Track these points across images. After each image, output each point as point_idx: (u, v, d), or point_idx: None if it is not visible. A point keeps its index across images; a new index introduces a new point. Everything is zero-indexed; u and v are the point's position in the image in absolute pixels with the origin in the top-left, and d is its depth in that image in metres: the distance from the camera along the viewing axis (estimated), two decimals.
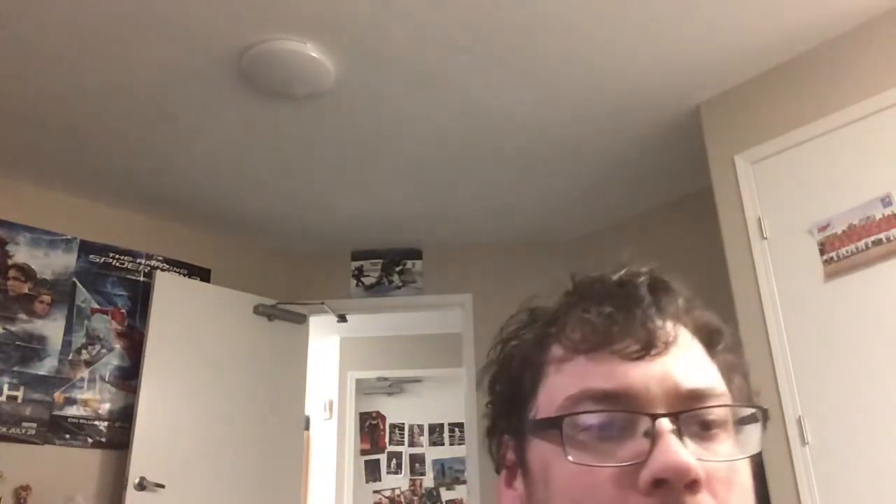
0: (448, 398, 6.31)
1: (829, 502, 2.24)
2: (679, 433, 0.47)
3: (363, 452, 6.65)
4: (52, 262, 3.47)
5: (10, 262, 3.35)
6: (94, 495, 3.34)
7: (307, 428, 5.58)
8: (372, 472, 6.67)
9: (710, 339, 0.56)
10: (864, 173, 2.37)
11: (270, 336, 4.01)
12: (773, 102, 2.68)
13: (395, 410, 6.85)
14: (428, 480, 6.69)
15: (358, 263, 4.33)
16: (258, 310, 3.98)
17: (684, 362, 0.51)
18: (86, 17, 2.39)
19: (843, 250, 2.36)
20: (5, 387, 3.20)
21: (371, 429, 6.78)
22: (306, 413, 4.55)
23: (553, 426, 0.49)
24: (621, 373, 0.50)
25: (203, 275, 3.99)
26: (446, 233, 4.17)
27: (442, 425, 6.79)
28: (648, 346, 0.50)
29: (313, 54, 2.57)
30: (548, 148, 3.27)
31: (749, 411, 0.52)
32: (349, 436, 6.07)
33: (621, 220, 3.98)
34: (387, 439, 6.80)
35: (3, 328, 3.26)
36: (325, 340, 5.86)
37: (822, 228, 2.43)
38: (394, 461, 6.74)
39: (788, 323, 2.45)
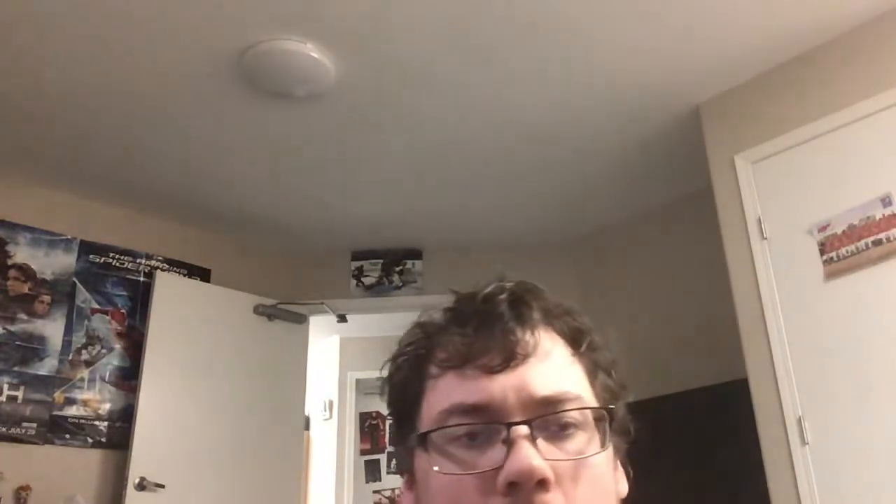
0: None
1: (829, 502, 2.24)
2: (532, 438, 0.52)
3: (363, 452, 6.64)
4: (52, 262, 3.47)
5: (10, 262, 3.34)
6: (94, 495, 3.34)
7: (307, 428, 5.59)
8: (372, 472, 6.66)
9: (574, 341, 0.61)
10: (864, 173, 2.37)
11: (270, 336, 4.01)
12: (773, 102, 2.68)
13: None
14: None
15: (358, 263, 4.33)
16: (258, 310, 3.98)
17: (541, 371, 0.57)
18: (85, 17, 2.39)
19: (843, 250, 2.36)
20: (5, 387, 3.20)
21: (371, 429, 6.77)
22: (306, 413, 4.55)
23: (424, 440, 0.56)
24: (483, 386, 0.55)
25: (203, 275, 3.99)
26: (446, 233, 4.17)
27: None
28: (507, 359, 0.56)
29: (313, 54, 2.57)
30: (548, 148, 3.27)
31: (598, 412, 0.57)
32: (349, 436, 6.06)
33: (621, 220, 3.98)
34: (387, 439, 6.80)
35: (3, 328, 3.26)
36: (325, 340, 5.87)
37: (822, 228, 2.43)
38: (394, 461, 6.74)
39: (788, 323, 2.45)
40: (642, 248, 3.85)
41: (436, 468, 0.54)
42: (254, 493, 3.70)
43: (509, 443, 0.52)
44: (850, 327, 2.31)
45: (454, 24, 2.46)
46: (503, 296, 0.60)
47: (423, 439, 0.56)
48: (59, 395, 3.34)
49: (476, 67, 2.69)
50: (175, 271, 3.88)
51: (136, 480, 3.30)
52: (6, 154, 3.25)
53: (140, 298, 3.70)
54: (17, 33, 2.48)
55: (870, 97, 2.40)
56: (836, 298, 2.35)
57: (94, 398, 3.44)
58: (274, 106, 2.90)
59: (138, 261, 3.77)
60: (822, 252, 2.41)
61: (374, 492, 6.60)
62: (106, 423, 3.45)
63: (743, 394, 2.52)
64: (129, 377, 3.55)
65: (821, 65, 2.57)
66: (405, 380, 0.62)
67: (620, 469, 0.61)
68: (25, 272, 3.38)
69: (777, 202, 2.58)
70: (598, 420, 0.57)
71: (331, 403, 6.07)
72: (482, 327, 0.58)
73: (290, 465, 3.97)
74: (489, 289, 0.61)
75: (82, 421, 3.38)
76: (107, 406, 3.47)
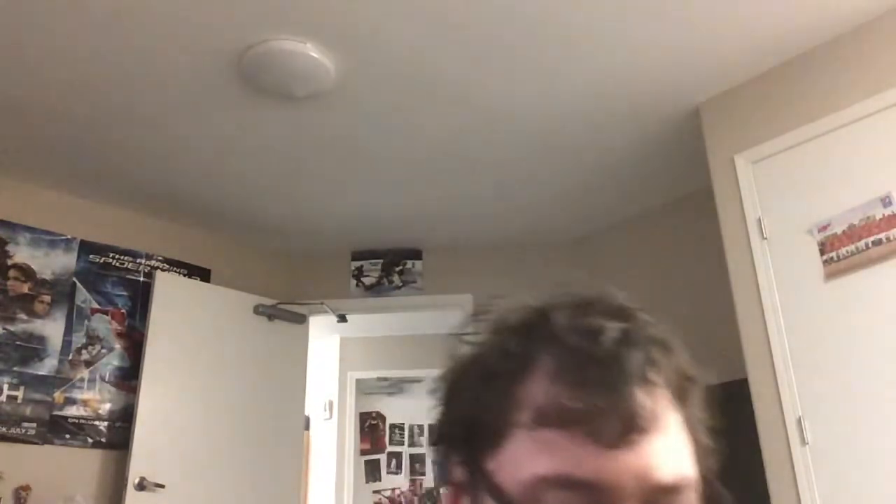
0: None
1: (829, 502, 2.24)
2: None
3: (363, 452, 6.64)
4: (52, 262, 3.47)
5: (10, 262, 3.35)
6: (94, 495, 3.34)
7: (307, 428, 5.59)
8: (372, 472, 6.66)
9: (683, 390, 0.54)
10: (864, 173, 2.37)
11: (270, 336, 4.01)
12: (773, 102, 2.68)
13: (395, 410, 6.85)
14: (428, 480, 6.69)
15: (358, 263, 4.33)
16: (258, 310, 3.98)
17: (662, 449, 0.49)
18: (85, 16, 2.39)
19: (843, 250, 2.36)
20: (5, 387, 3.20)
21: (371, 429, 6.77)
22: (306, 413, 4.55)
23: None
24: (597, 461, 0.47)
25: (203, 275, 3.99)
26: (446, 233, 4.17)
27: None
28: (628, 432, 0.48)
29: (313, 54, 2.57)
30: (548, 147, 3.27)
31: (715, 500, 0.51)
32: (349, 436, 6.06)
33: (621, 220, 3.98)
34: (387, 439, 6.80)
35: (3, 328, 3.26)
36: (325, 340, 5.86)
37: (822, 228, 2.43)
38: (394, 461, 6.74)
39: (788, 323, 2.45)
40: (642, 248, 3.85)
41: None
42: (254, 493, 3.70)
43: None
44: (850, 327, 2.31)
45: (454, 25, 2.46)
46: (632, 352, 0.51)
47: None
48: (59, 395, 3.34)
49: (476, 68, 2.69)
50: (175, 271, 3.88)
51: (136, 480, 3.30)
52: (6, 154, 3.25)
53: (140, 298, 3.70)
54: (17, 34, 2.48)
55: (870, 97, 2.40)
56: (836, 298, 2.35)
57: (94, 398, 3.44)
58: (274, 106, 2.90)
59: (138, 261, 3.77)
60: (822, 252, 2.41)
61: (374, 492, 6.60)
62: (106, 423, 3.45)
63: (743, 394, 2.52)
64: (129, 377, 3.55)
65: (821, 64, 2.57)
66: (487, 402, 0.52)
67: None
68: (25, 272, 3.38)
69: (777, 202, 2.58)
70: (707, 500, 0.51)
71: (331, 403, 6.07)
72: (602, 385, 0.49)
73: (290, 465, 3.97)
74: (610, 333, 0.51)
75: (82, 421, 3.38)
76: (107, 406, 3.47)
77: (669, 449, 0.50)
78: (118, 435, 3.44)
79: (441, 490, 0.55)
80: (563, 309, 0.53)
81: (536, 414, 0.50)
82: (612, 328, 0.51)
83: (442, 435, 0.56)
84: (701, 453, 0.53)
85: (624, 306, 0.54)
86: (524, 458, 0.49)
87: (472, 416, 0.53)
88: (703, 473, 0.52)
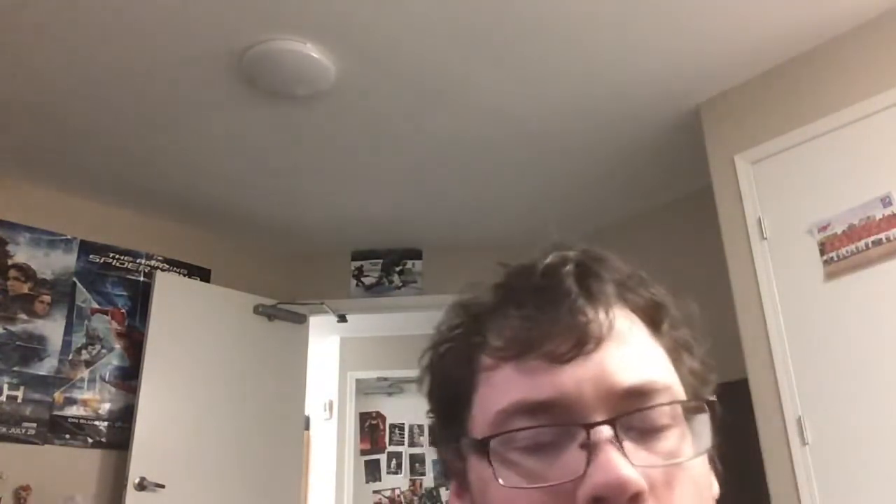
0: None
1: (828, 502, 2.24)
2: (618, 440, 0.43)
3: (363, 452, 6.64)
4: (52, 262, 3.47)
5: (10, 262, 3.34)
6: (94, 495, 3.34)
7: (307, 428, 5.59)
8: (372, 472, 6.66)
9: (653, 318, 0.52)
10: (864, 173, 2.37)
11: (270, 336, 4.01)
12: (773, 102, 2.68)
13: (395, 410, 6.85)
14: (428, 480, 6.69)
15: (358, 263, 4.33)
16: (258, 310, 3.98)
17: (622, 355, 0.47)
18: (85, 17, 2.39)
19: (843, 250, 2.36)
20: (5, 387, 3.20)
21: (371, 429, 6.78)
22: (306, 413, 4.55)
23: (482, 447, 0.46)
24: (552, 378, 0.46)
25: (203, 275, 3.99)
26: (446, 233, 4.17)
27: None
28: (580, 344, 0.46)
29: (313, 54, 2.57)
30: (548, 148, 3.27)
31: (694, 405, 0.48)
32: (349, 436, 6.07)
33: (621, 220, 3.98)
34: (387, 439, 6.80)
35: (3, 328, 3.26)
36: (325, 340, 5.87)
37: (822, 228, 2.43)
38: (394, 461, 6.74)
39: (788, 323, 2.45)
40: (642, 248, 3.85)
41: (500, 481, 0.44)
42: (254, 493, 3.70)
43: (590, 448, 0.43)
44: (850, 327, 2.31)
45: (454, 26, 2.46)
46: (568, 267, 0.50)
47: (480, 446, 0.47)
48: (59, 395, 3.34)
49: (476, 68, 2.69)
50: (175, 271, 3.88)
51: (136, 480, 3.30)
52: (6, 154, 3.25)
53: (140, 298, 3.70)
54: (17, 33, 2.48)
55: (870, 97, 2.40)
56: (836, 298, 2.35)
57: (94, 398, 3.44)
58: (274, 106, 2.90)
59: (138, 261, 3.77)
60: (822, 252, 2.41)
61: (374, 492, 6.60)
62: (106, 423, 3.45)
63: (743, 394, 2.52)
64: (129, 377, 3.55)
65: (821, 65, 2.57)
66: (451, 372, 0.52)
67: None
68: (25, 272, 3.38)
69: (777, 202, 2.58)
70: (690, 413, 0.48)
71: (331, 403, 6.07)
72: (544, 307, 0.48)
73: (290, 465, 3.97)
74: (549, 259, 0.51)
75: (82, 421, 3.38)
76: (107, 406, 3.47)
77: (628, 356, 0.47)
78: (118, 435, 3.44)
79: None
80: (522, 264, 0.53)
81: (492, 355, 0.49)
82: (554, 257, 0.51)
83: (434, 427, 0.56)
84: (688, 373, 0.51)
85: (586, 247, 0.53)
86: (489, 401, 0.48)
87: (450, 389, 0.52)
88: (694, 393, 0.50)
